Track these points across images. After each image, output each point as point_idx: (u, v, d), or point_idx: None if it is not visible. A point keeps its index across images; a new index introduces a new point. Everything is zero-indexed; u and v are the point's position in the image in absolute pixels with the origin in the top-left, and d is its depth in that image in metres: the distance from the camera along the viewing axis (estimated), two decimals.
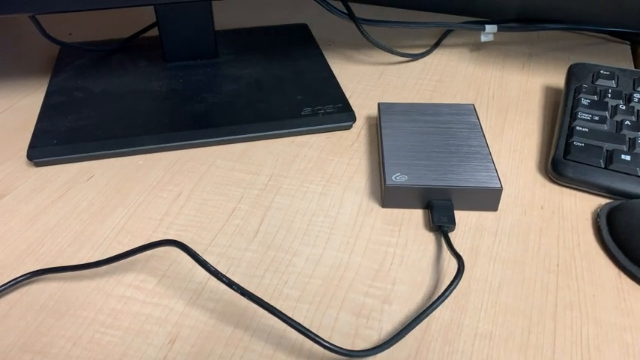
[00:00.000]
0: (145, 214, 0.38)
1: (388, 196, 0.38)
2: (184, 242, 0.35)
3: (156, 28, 0.57)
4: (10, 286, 0.32)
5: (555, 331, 0.31)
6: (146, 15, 0.67)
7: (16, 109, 0.49)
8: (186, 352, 0.30)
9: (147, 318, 0.31)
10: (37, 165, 0.42)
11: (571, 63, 0.55)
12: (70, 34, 0.62)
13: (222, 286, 0.33)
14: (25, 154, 0.43)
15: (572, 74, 0.49)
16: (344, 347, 0.29)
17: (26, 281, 0.33)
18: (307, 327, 0.30)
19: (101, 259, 0.34)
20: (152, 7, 0.49)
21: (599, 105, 0.44)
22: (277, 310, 0.29)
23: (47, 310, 0.32)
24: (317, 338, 0.28)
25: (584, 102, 0.45)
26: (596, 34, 0.62)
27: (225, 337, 0.30)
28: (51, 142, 0.43)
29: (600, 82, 0.47)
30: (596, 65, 0.49)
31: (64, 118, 0.45)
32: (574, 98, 0.46)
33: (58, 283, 0.33)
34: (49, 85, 0.50)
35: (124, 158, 0.43)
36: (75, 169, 0.42)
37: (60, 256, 0.35)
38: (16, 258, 0.35)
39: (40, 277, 0.33)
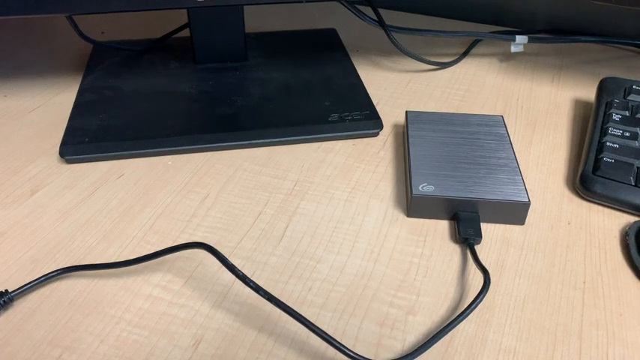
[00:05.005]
0: (172, 214, 0.39)
1: (414, 205, 0.38)
2: (211, 244, 0.35)
3: (187, 30, 0.57)
4: (41, 281, 0.33)
5: (581, 350, 0.31)
6: (178, 16, 0.68)
7: (49, 105, 0.50)
8: (210, 355, 0.30)
9: (173, 319, 0.32)
10: (69, 162, 0.43)
11: (602, 77, 0.55)
12: (103, 32, 0.63)
13: (247, 290, 0.33)
14: (58, 150, 0.44)
15: (603, 88, 0.48)
16: (367, 357, 0.29)
17: (56, 277, 0.34)
18: (331, 334, 0.30)
19: (129, 258, 0.34)
20: (184, 9, 0.49)
21: (630, 121, 0.44)
22: (302, 316, 0.29)
23: (76, 306, 0.32)
24: (341, 346, 0.29)
25: (616, 117, 0.44)
26: (628, 47, 0.61)
27: (249, 340, 0.31)
28: (82, 140, 0.43)
29: (632, 97, 0.46)
30: (629, 80, 0.48)
31: (96, 116, 0.46)
32: (605, 113, 0.46)
33: (88, 280, 0.34)
34: (81, 83, 0.51)
35: (154, 158, 0.44)
36: (105, 167, 0.43)
37: (89, 253, 0.36)
38: (47, 253, 0.36)
39: (69, 273, 0.34)
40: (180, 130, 0.45)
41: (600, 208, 0.40)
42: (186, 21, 0.52)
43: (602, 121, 0.45)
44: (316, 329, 0.29)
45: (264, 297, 0.30)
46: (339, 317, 0.32)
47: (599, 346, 0.31)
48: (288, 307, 0.30)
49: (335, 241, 0.37)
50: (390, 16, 0.68)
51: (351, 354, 0.29)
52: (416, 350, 0.29)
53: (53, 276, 0.33)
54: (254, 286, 0.30)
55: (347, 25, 0.65)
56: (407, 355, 0.29)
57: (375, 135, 0.47)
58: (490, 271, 0.35)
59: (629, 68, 0.57)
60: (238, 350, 0.30)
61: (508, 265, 0.35)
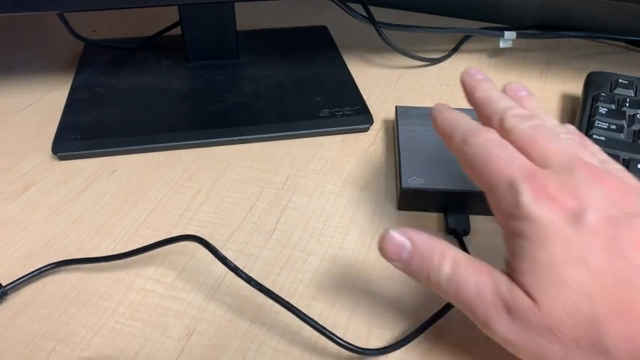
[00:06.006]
0: (165, 209, 0.39)
1: (404, 198, 0.39)
2: (204, 238, 0.36)
3: (179, 27, 0.57)
4: (34, 275, 0.33)
5: None
6: (169, 14, 0.68)
7: (42, 103, 0.50)
8: (203, 345, 0.30)
9: (165, 311, 0.32)
10: (61, 159, 0.43)
11: (589, 71, 0.55)
12: (95, 30, 0.63)
13: (240, 282, 0.34)
14: (50, 147, 0.44)
15: (590, 82, 0.49)
16: (358, 345, 0.30)
17: (50, 271, 0.34)
18: (322, 324, 0.31)
19: (122, 252, 0.35)
20: (175, 6, 0.50)
21: (616, 114, 0.44)
22: (293, 306, 0.30)
23: (69, 299, 0.33)
24: (332, 335, 0.29)
25: (602, 110, 0.45)
26: (615, 42, 0.62)
27: (241, 331, 0.31)
28: (75, 137, 0.44)
29: (619, 90, 0.47)
30: (615, 74, 0.49)
31: (88, 113, 0.46)
32: (591, 107, 0.46)
33: (80, 273, 0.34)
34: (73, 80, 0.51)
35: (146, 154, 0.44)
36: (98, 164, 0.43)
37: (82, 248, 0.36)
38: (40, 248, 0.36)
39: (63, 267, 0.34)
40: (172, 126, 0.45)
41: None
42: (178, 19, 0.52)
43: (589, 115, 0.45)
44: (307, 319, 0.29)
45: (255, 287, 0.30)
46: (330, 307, 0.32)
47: None
48: (280, 297, 0.30)
49: (326, 234, 0.37)
50: (381, 13, 0.68)
51: (343, 343, 0.29)
52: (405, 338, 0.30)
53: (46, 270, 0.34)
54: (245, 277, 0.30)
55: (338, 22, 0.66)
56: (397, 344, 0.30)
57: (366, 130, 0.47)
58: None
59: (616, 63, 0.58)
60: (231, 341, 0.31)
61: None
